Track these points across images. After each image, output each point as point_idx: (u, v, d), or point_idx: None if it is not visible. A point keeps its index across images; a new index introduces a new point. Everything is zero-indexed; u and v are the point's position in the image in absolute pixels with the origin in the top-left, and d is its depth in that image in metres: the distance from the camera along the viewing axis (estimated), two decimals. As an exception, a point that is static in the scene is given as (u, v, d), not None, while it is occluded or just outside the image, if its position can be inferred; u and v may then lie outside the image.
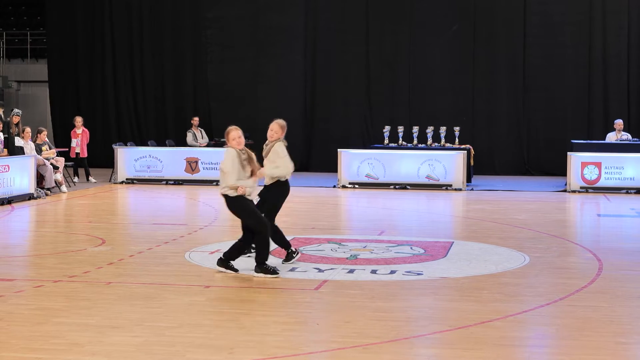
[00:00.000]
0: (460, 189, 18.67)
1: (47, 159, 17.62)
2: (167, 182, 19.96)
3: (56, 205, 15.99)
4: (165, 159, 20.18)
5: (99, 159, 23.81)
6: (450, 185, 18.81)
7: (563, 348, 6.46)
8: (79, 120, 21.00)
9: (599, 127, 22.48)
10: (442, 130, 20.00)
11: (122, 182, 19.86)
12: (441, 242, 11.28)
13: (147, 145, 21.55)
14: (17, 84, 28.08)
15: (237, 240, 9.01)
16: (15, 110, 18.78)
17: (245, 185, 8.69)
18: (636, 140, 19.74)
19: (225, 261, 8.99)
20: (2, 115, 17.12)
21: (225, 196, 8.79)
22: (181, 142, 22.46)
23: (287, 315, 7.27)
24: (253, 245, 9.04)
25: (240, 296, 8.02)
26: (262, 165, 9.19)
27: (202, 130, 22.80)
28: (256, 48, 24.46)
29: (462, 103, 23.43)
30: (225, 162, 8.71)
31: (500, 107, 23.44)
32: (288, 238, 11.38)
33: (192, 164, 20.05)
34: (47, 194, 17.04)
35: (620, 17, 22.87)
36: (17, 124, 17.93)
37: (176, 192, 18.37)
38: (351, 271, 9.19)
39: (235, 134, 8.78)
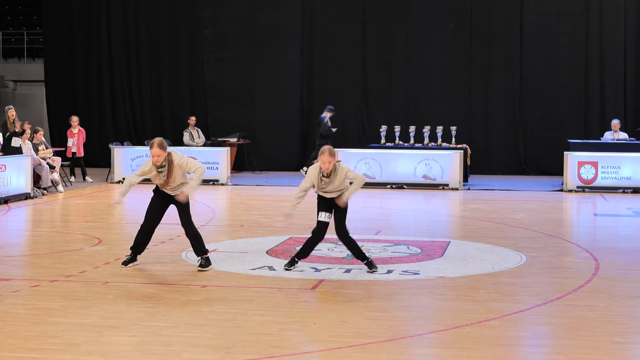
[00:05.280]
0: (457, 189, 18.67)
1: (44, 159, 17.60)
2: (163, 181, 19.88)
3: (53, 205, 15.97)
4: (162, 159, 20.09)
5: (96, 159, 23.81)
6: (447, 185, 18.81)
7: (560, 347, 6.46)
8: (75, 119, 20.98)
9: (595, 127, 22.51)
10: (439, 129, 20.00)
11: (118, 182, 19.83)
12: (438, 242, 11.28)
13: (144, 144, 21.50)
14: (14, 84, 28.07)
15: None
16: (7, 107, 18.69)
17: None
18: (633, 140, 19.76)
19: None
20: None
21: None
22: (178, 142, 22.44)
23: (284, 315, 7.26)
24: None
25: (236, 295, 8.01)
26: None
27: (199, 129, 22.80)
28: (253, 48, 24.46)
29: (459, 102, 23.43)
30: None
31: (496, 107, 23.45)
32: (284, 237, 11.42)
33: (188, 164, 19.99)
34: (43, 194, 17.02)
35: (617, 17, 22.89)
36: (13, 121, 17.89)
37: (173, 192, 18.29)
38: (348, 271, 9.19)
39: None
